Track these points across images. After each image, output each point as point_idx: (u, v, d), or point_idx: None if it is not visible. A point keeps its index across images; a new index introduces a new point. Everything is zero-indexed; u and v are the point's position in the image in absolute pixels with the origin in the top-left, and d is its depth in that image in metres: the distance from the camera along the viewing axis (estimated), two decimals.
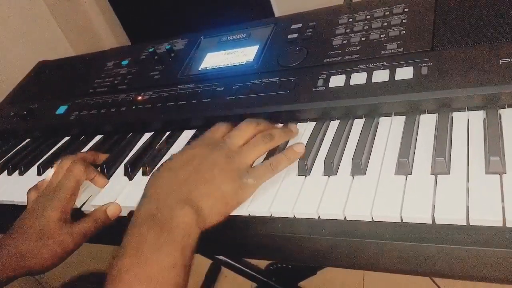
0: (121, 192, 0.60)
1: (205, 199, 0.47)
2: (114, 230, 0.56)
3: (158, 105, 0.72)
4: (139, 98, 0.76)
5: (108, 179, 0.64)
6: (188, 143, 0.60)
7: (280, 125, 0.60)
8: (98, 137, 0.78)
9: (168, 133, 0.71)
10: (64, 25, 1.35)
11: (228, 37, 0.79)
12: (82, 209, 0.61)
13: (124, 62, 0.87)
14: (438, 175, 0.43)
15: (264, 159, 0.54)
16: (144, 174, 0.63)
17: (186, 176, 0.48)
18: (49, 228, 0.54)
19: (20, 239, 0.54)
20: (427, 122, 0.52)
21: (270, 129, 0.57)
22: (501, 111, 0.48)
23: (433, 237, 0.40)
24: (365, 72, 0.57)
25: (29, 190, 0.61)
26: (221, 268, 1.46)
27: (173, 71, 0.78)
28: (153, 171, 0.51)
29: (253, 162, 0.53)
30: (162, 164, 0.52)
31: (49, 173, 0.61)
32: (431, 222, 0.40)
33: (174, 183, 0.48)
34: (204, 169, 0.49)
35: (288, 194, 0.49)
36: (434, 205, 0.41)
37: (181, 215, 0.45)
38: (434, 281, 1.03)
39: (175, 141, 0.69)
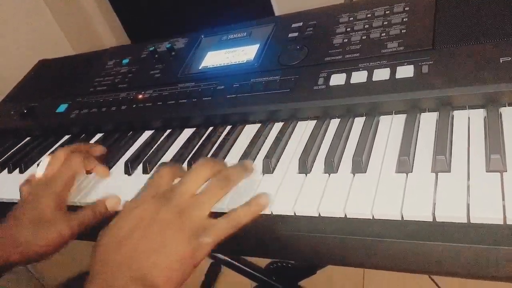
0: (121, 190, 0.60)
1: (159, 273, 0.40)
2: None
3: (158, 103, 0.72)
4: (140, 96, 0.76)
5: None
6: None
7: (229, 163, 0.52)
8: (98, 136, 0.78)
9: (168, 131, 0.71)
10: (64, 24, 1.35)
11: (229, 36, 0.79)
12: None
13: (125, 61, 0.87)
14: (439, 173, 0.44)
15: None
16: (144, 172, 0.63)
17: (135, 246, 0.41)
18: (45, 215, 0.54)
19: (16, 227, 0.53)
20: (428, 121, 0.52)
21: (225, 170, 0.49)
22: (502, 109, 0.48)
23: (434, 235, 0.40)
24: (366, 71, 0.57)
25: (22, 184, 0.61)
26: (221, 267, 1.46)
27: (173, 69, 0.78)
28: (98, 239, 0.43)
29: (209, 210, 0.45)
30: (105, 231, 0.43)
31: (42, 164, 0.61)
32: (431, 220, 0.40)
33: (122, 257, 0.41)
34: (154, 234, 0.42)
35: (288, 192, 0.49)
36: (435, 203, 0.41)
37: None
38: (433, 280, 1.03)
39: (175, 139, 0.69)
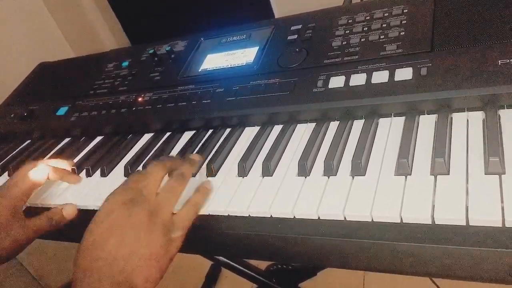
0: None
1: (139, 275, 0.44)
2: None
3: (158, 106, 0.72)
4: (139, 99, 0.76)
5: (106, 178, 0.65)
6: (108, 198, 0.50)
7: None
8: (98, 138, 0.79)
9: (168, 134, 0.71)
10: (64, 26, 1.35)
11: (228, 39, 0.79)
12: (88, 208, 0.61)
13: (124, 64, 0.87)
14: (438, 176, 0.44)
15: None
16: None
17: (114, 252, 0.44)
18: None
19: None
20: (427, 123, 0.52)
21: (178, 166, 0.54)
22: (500, 111, 0.49)
23: (433, 237, 0.40)
24: (365, 73, 0.57)
25: None
26: (221, 269, 1.46)
27: (173, 72, 0.78)
28: (79, 246, 0.46)
29: (174, 206, 0.50)
30: (84, 239, 0.46)
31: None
32: (430, 223, 0.40)
33: (103, 263, 0.44)
34: (130, 237, 0.45)
35: (288, 195, 0.49)
36: (434, 206, 0.41)
37: None
38: (433, 281, 1.03)
39: (175, 142, 0.69)
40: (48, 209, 0.63)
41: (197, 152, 0.63)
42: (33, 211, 0.62)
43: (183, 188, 0.52)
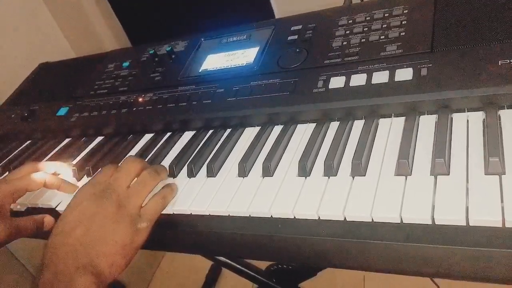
0: None
1: (104, 260, 0.46)
2: None
3: (158, 106, 0.72)
4: (140, 99, 0.76)
5: None
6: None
7: None
8: (99, 139, 0.79)
9: (168, 134, 0.71)
10: (65, 27, 1.35)
11: (229, 39, 0.79)
12: None
13: (125, 64, 0.88)
14: (438, 176, 0.44)
15: None
16: None
17: (80, 238, 0.47)
18: None
19: None
20: (427, 123, 0.52)
21: (152, 166, 0.57)
22: (501, 112, 0.49)
23: (433, 237, 0.40)
24: (365, 74, 0.57)
25: None
26: (221, 269, 1.46)
27: (173, 72, 0.78)
28: (51, 232, 0.49)
29: (144, 200, 0.52)
30: (55, 227, 0.49)
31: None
32: (430, 223, 0.40)
33: (70, 248, 0.46)
34: (96, 226, 0.48)
35: (288, 195, 0.49)
36: (434, 206, 0.41)
37: (80, 284, 0.44)
38: (434, 281, 1.03)
39: (175, 142, 0.69)
40: (47, 210, 0.63)
41: (197, 152, 0.63)
42: (31, 212, 0.62)
43: (155, 184, 0.54)
